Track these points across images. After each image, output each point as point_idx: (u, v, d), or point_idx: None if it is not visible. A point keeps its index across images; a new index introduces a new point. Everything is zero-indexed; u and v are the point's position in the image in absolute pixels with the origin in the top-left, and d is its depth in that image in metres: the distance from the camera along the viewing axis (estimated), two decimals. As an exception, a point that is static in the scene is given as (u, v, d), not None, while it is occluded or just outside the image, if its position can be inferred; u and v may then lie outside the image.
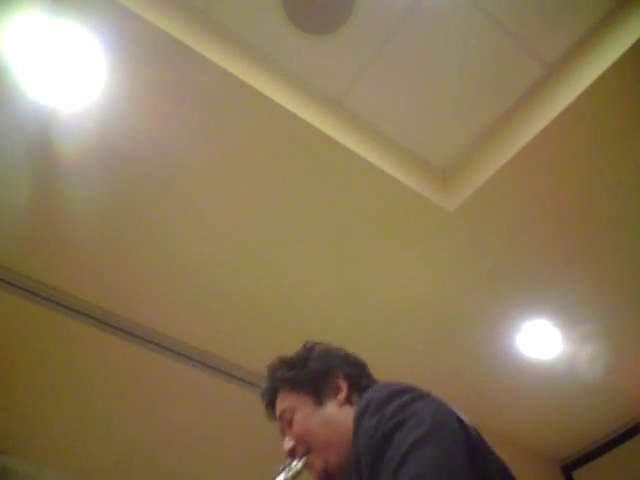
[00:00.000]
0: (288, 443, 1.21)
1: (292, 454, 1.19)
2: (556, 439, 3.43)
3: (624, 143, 2.22)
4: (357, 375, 1.26)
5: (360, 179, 2.35)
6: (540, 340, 2.88)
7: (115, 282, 2.67)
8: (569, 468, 3.55)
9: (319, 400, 1.21)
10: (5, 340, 2.80)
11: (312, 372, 1.26)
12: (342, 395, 1.20)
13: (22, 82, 2.03)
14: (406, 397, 1.00)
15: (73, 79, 2.04)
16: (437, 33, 2.15)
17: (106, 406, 3.06)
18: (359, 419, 1.02)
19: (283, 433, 1.25)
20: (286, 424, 1.23)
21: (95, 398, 3.03)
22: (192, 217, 2.47)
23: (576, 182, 2.34)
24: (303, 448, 1.17)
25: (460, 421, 1.00)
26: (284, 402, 1.26)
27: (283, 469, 1.18)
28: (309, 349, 1.34)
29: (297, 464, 1.17)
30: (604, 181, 2.33)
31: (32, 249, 2.55)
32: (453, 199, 2.45)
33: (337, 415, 1.17)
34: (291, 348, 3.08)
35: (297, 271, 2.65)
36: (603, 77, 2.02)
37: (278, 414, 1.27)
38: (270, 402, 1.31)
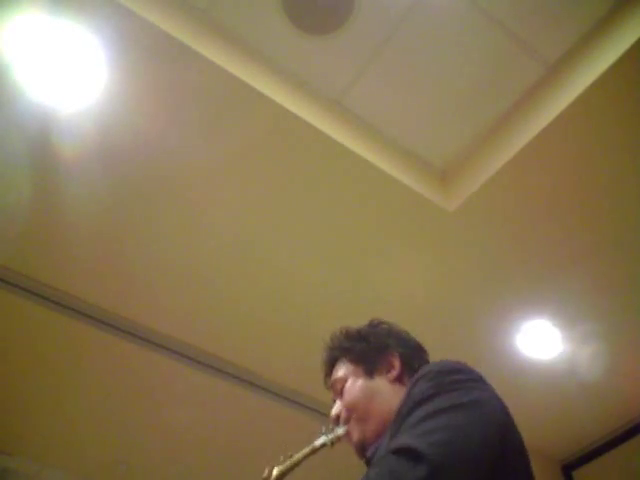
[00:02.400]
0: (335, 410, 1.25)
1: (336, 421, 1.24)
2: (556, 439, 3.43)
3: (624, 143, 2.22)
4: (411, 356, 1.28)
5: (360, 179, 2.35)
6: (540, 340, 2.88)
7: (115, 282, 2.67)
8: (569, 468, 3.55)
9: (371, 373, 1.24)
10: (5, 340, 2.80)
11: (369, 346, 1.29)
12: (394, 373, 1.23)
13: (22, 82, 2.03)
14: (463, 375, 1.02)
15: (73, 79, 2.04)
16: (437, 33, 2.15)
17: (106, 406, 3.07)
18: (413, 385, 1.03)
19: (334, 399, 1.29)
20: (338, 392, 1.27)
21: (95, 398, 3.03)
22: (192, 217, 2.47)
23: (576, 182, 2.34)
24: (347, 416, 1.21)
25: (507, 415, 1.01)
26: (339, 371, 1.29)
27: (324, 432, 1.23)
28: (373, 326, 1.38)
29: (338, 430, 1.22)
30: (604, 181, 2.33)
31: (32, 249, 2.55)
32: (453, 199, 2.45)
33: (385, 391, 1.20)
34: (291, 348, 3.10)
35: (296, 270, 2.65)
36: (603, 77, 2.02)
37: (331, 382, 1.31)
38: (329, 370, 1.34)
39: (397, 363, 1.25)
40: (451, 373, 1.02)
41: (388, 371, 1.24)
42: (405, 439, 0.88)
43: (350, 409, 1.21)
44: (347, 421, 1.21)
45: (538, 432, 3.38)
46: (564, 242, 2.52)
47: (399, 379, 1.23)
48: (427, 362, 1.31)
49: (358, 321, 2.96)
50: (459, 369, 1.04)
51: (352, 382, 1.24)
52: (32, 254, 2.56)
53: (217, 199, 2.41)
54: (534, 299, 2.75)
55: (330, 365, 1.34)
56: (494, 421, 0.95)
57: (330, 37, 2.16)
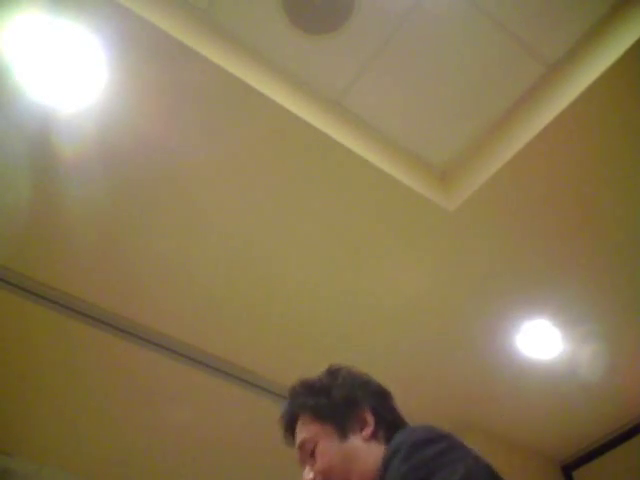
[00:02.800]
0: (308, 475, 1.16)
1: None
2: (556, 439, 3.43)
3: (625, 143, 2.22)
4: (383, 408, 1.20)
5: (360, 179, 2.35)
6: (540, 340, 2.88)
7: (115, 282, 2.67)
8: (569, 468, 3.54)
9: (343, 433, 1.15)
10: (5, 340, 2.80)
11: (336, 402, 1.19)
12: (368, 430, 1.15)
13: (22, 82, 2.03)
14: (441, 445, 0.96)
15: (73, 79, 2.04)
16: (437, 33, 2.15)
17: (106, 406, 3.07)
18: (389, 460, 0.98)
19: (303, 462, 1.19)
20: (307, 454, 1.18)
21: (95, 398, 3.03)
22: (192, 217, 2.47)
23: (576, 182, 2.34)
24: None
25: (494, 477, 0.95)
26: (305, 431, 1.20)
27: None
28: (333, 375, 1.27)
29: None
30: (604, 181, 2.33)
31: (32, 249, 2.55)
32: (453, 199, 2.45)
33: (362, 451, 1.12)
34: (291, 348, 3.09)
35: (296, 271, 2.65)
36: (603, 77, 2.02)
37: (298, 443, 1.20)
38: (289, 427, 1.25)
39: (370, 418, 1.17)
40: (426, 445, 0.95)
41: (362, 429, 1.16)
42: None
43: (328, 476, 1.12)
44: None
45: (538, 432, 3.38)
46: (564, 242, 2.52)
47: (374, 435, 1.15)
48: (396, 410, 1.23)
49: (358, 321, 2.97)
50: (432, 439, 0.97)
51: (325, 445, 1.15)
52: (32, 254, 2.56)
53: (217, 199, 2.41)
54: (534, 299, 2.75)
55: (291, 422, 1.24)
56: None
57: (330, 37, 2.16)
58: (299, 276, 2.67)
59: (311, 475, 1.15)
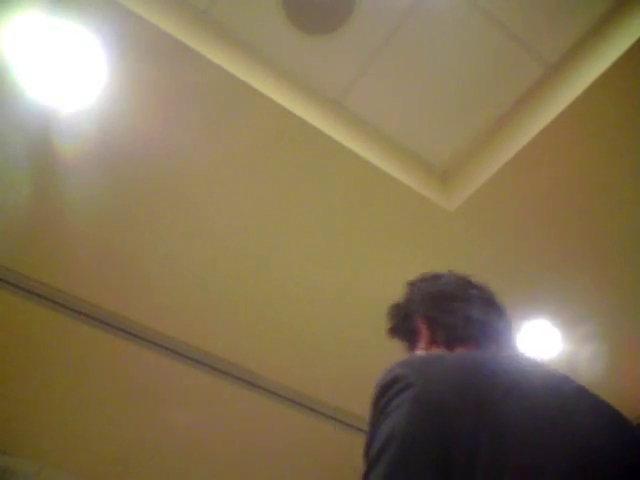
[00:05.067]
0: None
1: None
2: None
3: (624, 143, 2.22)
4: (436, 314, 1.20)
5: (360, 179, 2.35)
6: (540, 340, 2.88)
7: (115, 282, 2.67)
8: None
9: (412, 347, 1.21)
10: (5, 340, 2.81)
11: (398, 319, 1.26)
12: (424, 339, 1.18)
13: (22, 82, 2.03)
14: (388, 395, 0.90)
15: (73, 79, 2.04)
16: (437, 33, 2.15)
17: (106, 406, 3.07)
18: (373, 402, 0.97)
19: None
20: None
21: (95, 398, 3.03)
22: (191, 216, 2.47)
23: (576, 182, 2.34)
24: None
25: (437, 422, 0.83)
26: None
27: None
28: (406, 291, 1.31)
29: None
30: (604, 181, 2.33)
31: (32, 249, 2.55)
32: (453, 199, 2.45)
33: None
34: (291, 348, 3.09)
35: (296, 270, 2.65)
36: (603, 77, 2.02)
37: None
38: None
39: (422, 327, 1.19)
40: (380, 396, 0.91)
41: (419, 340, 1.19)
42: None
43: None
44: None
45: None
46: (564, 242, 2.52)
47: (432, 341, 1.16)
48: (456, 311, 1.19)
49: (358, 321, 2.97)
50: (379, 395, 0.92)
51: None
52: (32, 254, 2.56)
53: (217, 199, 2.41)
54: (534, 299, 2.75)
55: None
56: (411, 451, 0.81)
57: (330, 37, 2.16)
58: (299, 276, 2.67)
59: None
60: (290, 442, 3.31)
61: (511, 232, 2.51)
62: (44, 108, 2.09)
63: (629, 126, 2.17)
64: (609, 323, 2.81)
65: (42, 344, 2.84)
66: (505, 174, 2.31)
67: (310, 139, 2.23)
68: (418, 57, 2.22)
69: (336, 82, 2.29)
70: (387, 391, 0.90)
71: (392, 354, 3.23)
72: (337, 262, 2.62)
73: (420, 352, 1.17)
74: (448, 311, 1.19)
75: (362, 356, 2.94)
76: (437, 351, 1.14)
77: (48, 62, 1.99)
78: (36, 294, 2.65)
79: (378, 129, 2.40)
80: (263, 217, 2.47)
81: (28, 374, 2.93)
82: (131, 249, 2.56)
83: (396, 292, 2.91)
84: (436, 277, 1.32)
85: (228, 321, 2.82)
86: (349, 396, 3.12)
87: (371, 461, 0.83)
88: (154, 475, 3.38)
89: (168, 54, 2.02)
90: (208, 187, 2.38)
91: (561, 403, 0.90)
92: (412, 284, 1.33)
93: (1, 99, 2.07)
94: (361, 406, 3.56)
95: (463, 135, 2.43)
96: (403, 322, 1.24)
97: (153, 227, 2.50)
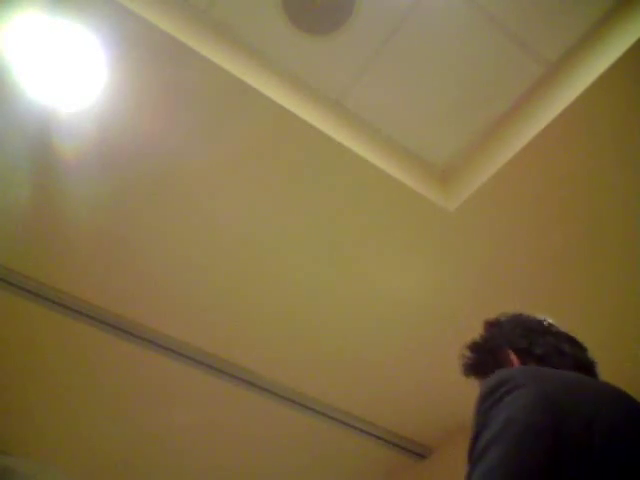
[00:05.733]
0: None
1: None
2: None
3: (624, 143, 2.22)
4: (529, 347, 1.26)
5: (360, 179, 2.35)
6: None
7: (115, 282, 2.67)
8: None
9: None
10: (5, 340, 2.81)
11: (484, 354, 1.31)
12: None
13: (22, 82, 2.03)
14: (497, 395, 1.00)
15: (73, 79, 2.04)
16: (437, 33, 2.15)
17: (106, 406, 3.07)
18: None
19: None
20: None
21: (95, 398, 3.04)
22: (192, 217, 2.47)
23: (576, 182, 2.34)
24: None
25: (553, 415, 0.94)
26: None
27: None
28: (485, 328, 1.38)
29: None
30: (605, 181, 2.33)
31: (32, 249, 2.55)
32: (453, 199, 2.45)
33: None
34: (291, 348, 3.09)
35: (296, 271, 2.65)
36: (603, 77, 2.02)
37: None
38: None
39: (514, 358, 1.24)
40: (486, 397, 1.01)
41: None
42: None
43: None
44: None
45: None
46: (564, 242, 2.52)
47: None
48: (547, 342, 1.28)
49: (358, 321, 2.97)
50: (493, 388, 1.01)
51: None
52: (32, 254, 2.56)
53: (217, 199, 2.42)
54: (534, 299, 2.75)
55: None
56: (531, 433, 0.91)
57: (330, 37, 2.16)
58: (299, 276, 2.67)
59: None
60: (290, 442, 3.31)
61: (511, 232, 2.51)
62: (44, 108, 2.09)
63: (630, 126, 2.17)
64: (609, 323, 2.81)
65: (42, 344, 2.84)
66: (505, 174, 2.31)
67: (310, 139, 2.23)
68: (418, 57, 2.22)
69: (336, 82, 2.29)
70: (495, 391, 1.00)
71: (392, 354, 3.23)
72: (337, 262, 2.62)
73: None
74: (540, 344, 1.27)
75: (363, 356, 2.94)
76: None
77: (48, 62, 1.99)
78: (36, 294, 2.65)
79: (378, 129, 2.40)
80: (263, 217, 2.47)
81: (28, 374, 2.93)
82: (131, 249, 2.56)
83: (396, 291, 2.92)
84: (517, 315, 1.41)
85: (228, 321, 2.82)
86: (349, 396, 3.12)
87: (487, 443, 0.91)
88: (154, 475, 3.38)
89: (168, 54, 2.02)
90: (208, 187, 2.38)
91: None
92: (493, 322, 1.40)
93: (1, 99, 2.07)
94: (361, 406, 3.58)
95: (463, 135, 2.43)
96: (489, 356, 1.29)
97: (153, 227, 2.50)
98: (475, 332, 3.11)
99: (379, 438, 3.28)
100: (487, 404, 0.99)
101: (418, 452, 3.40)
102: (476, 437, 0.96)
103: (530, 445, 0.89)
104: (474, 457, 0.93)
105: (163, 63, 2.05)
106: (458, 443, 2.96)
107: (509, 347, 1.27)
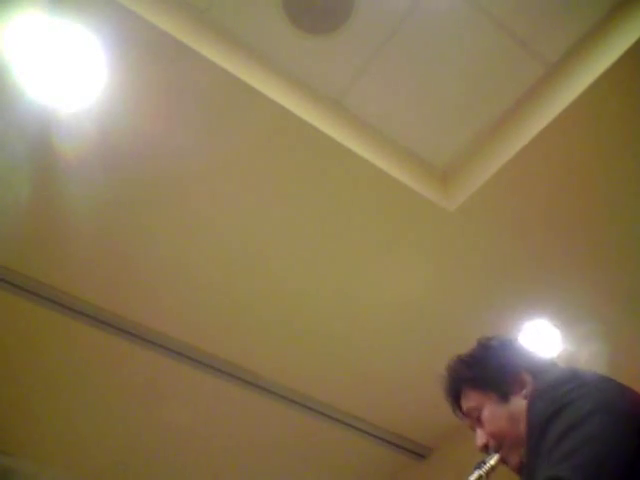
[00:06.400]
0: (480, 439, 1.27)
1: (485, 450, 1.26)
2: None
3: (625, 143, 2.22)
4: (539, 367, 1.29)
5: (360, 179, 2.35)
6: (540, 340, 2.88)
7: (115, 282, 2.67)
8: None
9: (504, 396, 1.26)
10: (5, 340, 2.81)
11: (493, 371, 1.30)
12: (528, 389, 1.24)
13: (22, 82, 2.03)
14: (571, 384, 1.07)
15: (73, 79, 2.04)
16: (437, 33, 2.15)
17: (106, 406, 3.07)
18: (532, 403, 1.12)
19: (472, 428, 1.31)
20: (474, 420, 1.29)
21: (95, 398, 3.03)
22: (191, 216, 2.47)
23: (576, 182, 2.34)
24: (496, 444, 1.23)
25: (630, 403, 1.04)
26: (469, 401, 1.31)
27: (477, 467, 1.23)
28: (485, 347, 1.37)
29: (490, 461, 1.23)
30: (605, 181, 2.33)
31: (32, 249, 2.55)
32: (453, 199, 2.45)
33: (525, 409, 1.21)
34: (291, 348, 3.09)
35: (296, 271, 2.65)
36: (603, 77, 2.02)
37: (465, 411, 1.32)
38: (454, 400, 1.36)
39: (527, 377, 1.26)
40: (559, 385, 1.08)
41: (521, 389, 1.25)
42: (550, 470, 0.95)
43: (498, 437, 1.23)
44: (499, 448, 1.23)
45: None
46: (565, 242, 2.52)
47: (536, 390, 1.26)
48: (553, 365, 1.32)
49: (358, 321, 2.97)
50: (565, 378, 1.10)
51: (490, 410, 1.26)
52: (32, 254, 2.56)
53: (217, 199, 2.42)
54: (534, 299, 2.75)
55: (455, 397, 1.35)
56: (622, 416, 0.99)
57: (330, 37, 2.16)
58: (299, 276, 2.67)
59: (484, 438, 1.26)
60: (290, 442, 3.31)
61: (511, 232, 2.51)
62: (44, 108, 2.09)
63: (629, 125, 2.17)
64: (609, 323, 2.81)
65: (42, 344, 2.84)
66: (505, 174, 2.31)
67: (310, 139, 2.23)
68: (418, 56, 2.21)
69: (336, 82, 2.29)
70: (564, 384, 1.08)
71: (392, 354, 3.23)
72: (337, 262, 2.62)
73: (519, 401, 1.24)
74: (546, 366, 1.30)
75: (362, 356, 2.94)
76: None
77: (48, 62, 1.99)
78: (36, 294, 2.65)
79: (378, 129, 2.40)
80: (263, 217, 2.47)
81: (28, 374, 2.93)
82: (131, 249, 2.56)
83: (395, 291, 2.91)
84: (514, 339, 1.45)
85: (228, 321, 2.82)
86: (349, 396, 3.12)
87: (566, 430, 0.98)
88: (154, 475, 3.38)
89: (168, 54, 2.02)
90: (208, 187, 2.38)
91: None
92: (484, 344, 1.40)
93: (1, 99, 2.07)
94: (361, 406, 3.58)
95: (463, 135, 2.43)
96: (502, 372, 1.29)
97: (153, 227, 2.50)
98: (475, 332, 3.11)
99: (379, 438, 3.29)
100: (555, 400, 1.05)
101: (418, 452, 3.40)
102: (553, 416, 1.01)
103: (621, 426, 0.97)
104: (553, 436, 0.98)
105: (163, 63, 2.05)
106: (458, 443, 2.96)
107: (524, 368, 1.28)
